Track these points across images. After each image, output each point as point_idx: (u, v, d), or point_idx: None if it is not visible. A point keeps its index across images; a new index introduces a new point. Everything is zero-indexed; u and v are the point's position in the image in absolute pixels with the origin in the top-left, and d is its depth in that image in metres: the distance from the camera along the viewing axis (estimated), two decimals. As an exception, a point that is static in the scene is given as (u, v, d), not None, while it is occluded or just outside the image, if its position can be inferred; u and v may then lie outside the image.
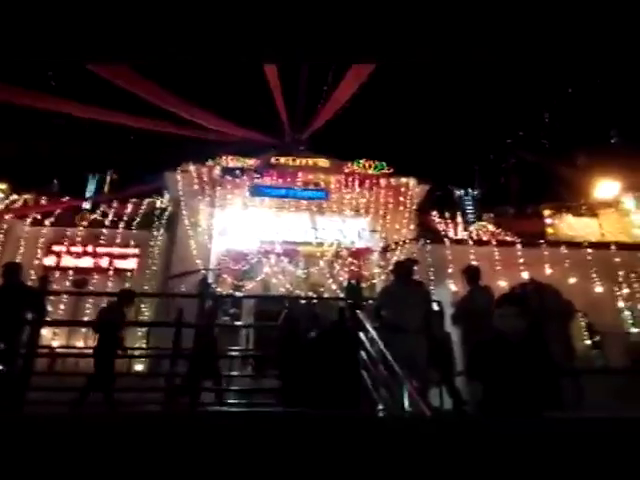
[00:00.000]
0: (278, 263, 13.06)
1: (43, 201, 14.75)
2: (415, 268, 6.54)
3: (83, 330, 10.94)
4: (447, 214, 15.54)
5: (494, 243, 13.18)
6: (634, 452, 1.06)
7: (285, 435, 1.21)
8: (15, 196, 14.63)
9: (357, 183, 14.34)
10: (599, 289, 12.36)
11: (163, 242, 13.44)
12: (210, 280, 11.85)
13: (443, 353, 6.66)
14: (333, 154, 15.64)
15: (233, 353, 8.78)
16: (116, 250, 13.29)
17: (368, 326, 5.56)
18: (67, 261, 13.05)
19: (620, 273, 12.71)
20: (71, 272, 12.81)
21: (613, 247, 13.17)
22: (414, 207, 14.50)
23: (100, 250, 13.28)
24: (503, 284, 11.93)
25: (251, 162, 14.64)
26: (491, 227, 15.12)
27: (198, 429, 1.36)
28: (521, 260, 12.54)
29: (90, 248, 13.26)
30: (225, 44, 1.49)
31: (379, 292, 6.87)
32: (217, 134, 15.28)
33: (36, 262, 12.53)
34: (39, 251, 12.99)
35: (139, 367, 10.39)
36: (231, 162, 14.50)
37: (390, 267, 7.55)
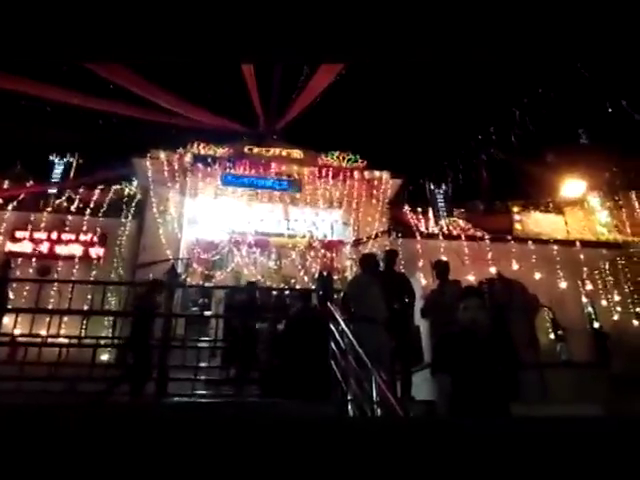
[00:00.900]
0: (249, 254, 12.95)
1: (6, 185, 14.22)
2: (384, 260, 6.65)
3: (47, 319, 10.63)
4: (419, 208, 15.68)
5: (464, 238, 13.40)
6: (605, 451, 1.05)
7: (247, 432, 1.17)
8: (-25, 179, 14.07)
9: (330, 175, 14.32)
10: (564, 285, 12.72)
11: (131, 230, 13.17)
12: (180, 270, 11.66)
13: (411, 345, 6.74)
14: (307, 145, 15.55)
15: (201, 344, 8.69)
16: (82, 237, 12.96)
17: (339, 317, 5.56)
18: (30, 247, 12.65)
19: (584, 270, 13.12)
20: (34, 259, 12.43)
21: (578, 244, 13.57)
22: (387, 201, 14.59)
23: (65, 237, 12.93)
24: (472, 278, 12.14)
25: (223, 151, 14.40)
26: (461, 222, 15.34)
27: (160, 419, 1.30)
28: (489, 255, 12.78)
29: (55, 235, 12.90)
30: (201, 45, 1.44)
31: (347, 283, 6.90)
32: (188, 120, 14.97)
33: (-2, 248, 12.11)
34: (1, 237, 12.55)
35: (105, 357, 10.18)
36: (203, 150, 14.23)
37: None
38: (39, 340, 8.07)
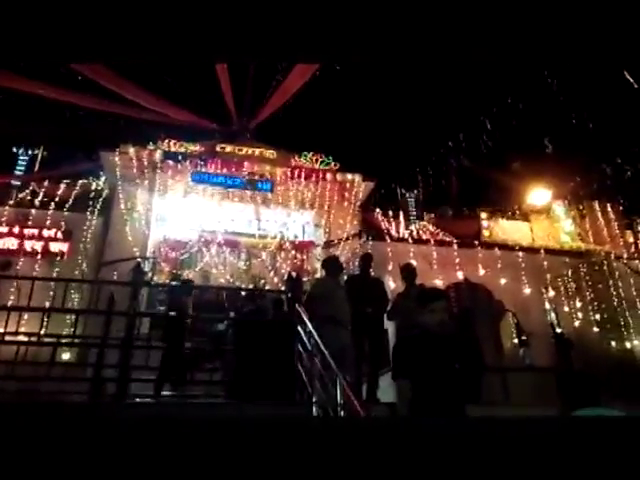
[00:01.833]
0: (219, 253, 12.80)
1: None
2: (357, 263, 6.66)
3: (5, 316, 10.26)
4: (390, 212, 15.82)
5: (433, 242, 13.58)
6: (566, 451, 1.06)
7: (209, 433, 1.14)
8: None
9: (303, 177, 14.29)
10: (528, 291, 13.04)
11: (97, 226, 12.85)
12: (146, 268, 11.44)
13: (380, 348, 6.77)
14: (280, 146, 15.49)
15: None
16: (46, 232, 12.58)
17: (306, 319, 5.55)
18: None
19: (547, 276, 13.47)
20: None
21: (542, 252, 13.93)
22: (358, 204, 14.65)
23: (28, 231, 12.52)
24: (439, 282, 12.32)
25: (195, 148, 14.20)
26: (431, 227, 15.53)
27: (122, 421, 1.25)
28: (457, 260, 12.99)
29: (17, 229, 12.48)
30: (173, 45, 1.40)
31: (311, 285, 6.91)
32: (159, 116, 14.72)
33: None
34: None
35: (66, 356, 9.91)
36: (173, 147, 13.99)
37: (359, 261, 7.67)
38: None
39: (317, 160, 15.04)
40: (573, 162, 16.19)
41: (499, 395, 7.11)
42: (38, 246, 12.40)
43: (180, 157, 13.55)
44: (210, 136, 15.40)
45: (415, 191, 16.75)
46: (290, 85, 14.92)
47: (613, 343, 12.48)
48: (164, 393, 6.52)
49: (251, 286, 12.03)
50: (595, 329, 12.95)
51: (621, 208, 16.18)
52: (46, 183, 13.62)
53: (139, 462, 1.03)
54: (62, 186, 13.52)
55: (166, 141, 13.96)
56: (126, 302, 6.90)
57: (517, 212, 16.56)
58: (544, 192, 16.28)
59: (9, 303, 9.91)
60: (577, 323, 13.09)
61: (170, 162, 13.45)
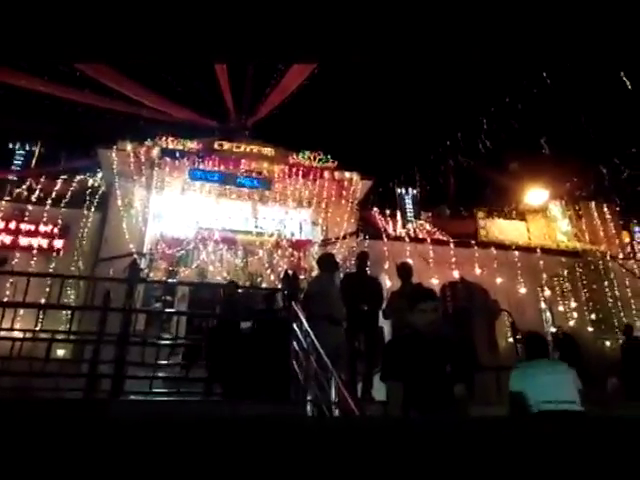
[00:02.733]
0: (216, 251, 12.79)
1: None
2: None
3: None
4: (387, 211, 15.83)
5: (429, 241, 13.60)
6: (561, 450, 1.08)
7: (201, 432, 1.15)
8: None
9: (301, 174, 14.28)
10: (523, 290, 13.07)
11: (93, 223, 12.84)
12: (143, 265, 11.42)
13: (376, 346, 6.79)
14: (278, 143, 15.47)
15: (163, 341, 8.53)
16: (42, 228, 12.56)
17: (302, 317, 5.55)
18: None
19: (543, 276, 13.51)
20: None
21: (538, 251, 13.96)
22: (356, 202, 14.65)
23: (24, 227, 12.49)
24: (436, 281, 12.35)
25: (192, 145, 14.16)
26: (428, 226, 15.56)
27: (117, 417, 1.26)
28: (454, 259, 13.02)
29: (13, 224, 12.45)
30: (172, 46, 1.41)
31: (309, 283, 6.91)
32: (158, 113, 14.68)
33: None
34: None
35: (61, 352, 9.88)
36: (171, 144, 13.93)
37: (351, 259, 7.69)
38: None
39: (315, 158, 15.02)
40: (570, 162, 16.24)
41: (493, 394, 7.13)
42: (34, 242, 12.37)
43: (178, 154, 13.52)
44: (208, 133, 15.37)
45: (413, 190, 16.77)
46: (289, 83, 14.90)
47: (607, 343, 12.52)
48: (159, 390, 6.52)
49: (248, 284, 12.03)
50: (590, 329, 13.00)
51: (617, 209, 16.24)
52: (43, 179, 13.59)
53: (128, 460, 1.04)
54: (59, 182, 13.50)
55: (164, 138, 13.92)
56: (122, 299, 6.89)
57: (514, 212, 16.60)
58: (541, 192, 16.33)
59: (4, 299, 9.89)
60: (572, 323, 13.13)
61: (168, 159, 13.42)
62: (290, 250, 13.47)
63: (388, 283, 11.40)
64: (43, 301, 9.66)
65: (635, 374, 8.14)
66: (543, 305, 13.57)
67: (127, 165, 13.15)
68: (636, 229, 16.28)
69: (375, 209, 15.50)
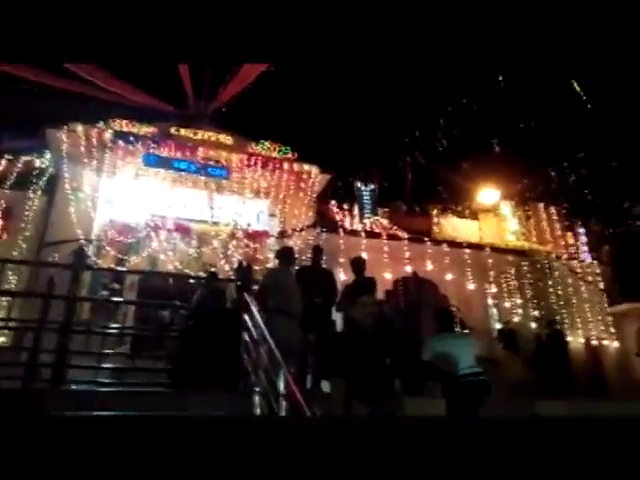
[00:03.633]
0: (169, 239, 12.50)
1: None
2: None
3: None
4: (345, 205, 15.92)
5: (384, 237, 13.78)
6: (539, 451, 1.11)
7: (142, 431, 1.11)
8: None
9: (260, 165, 14.13)
10: (472, 286, 13.49)
11: (39, 206, 12.28)
12: (91, 252, 11.04)
13: (327, 340, 6.84)
14: (238, 132, 15.23)
15: (109, 330, 8.29)
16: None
17: (254, 309, 5.52)
18: None
19: (491, 273, 13.97)
20: None
21: (488, 249, 14.42)
22: (314, 195, 14.65)
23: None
24: (389, 276, 12.56)
25: (148, 129, 13.73)
26: (384, 222, 15.74)
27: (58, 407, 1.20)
28: (407, 254, 13.26)
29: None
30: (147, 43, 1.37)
31: (264, 275, 6.88)
32: (112, 95, 14.14)
33: None
34: None
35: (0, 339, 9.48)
36: (125, 127, 13.46)
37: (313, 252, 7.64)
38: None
39: (275, 149, 14.89)
40: (521, 164, 16.82)
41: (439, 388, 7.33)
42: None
43: (132, 138, 13.08)
44: (166, 119, 14.95)
45: (371, 185, 16.92)
46: (250, 71, 14.68)
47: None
48: (103, 380, 6.35)
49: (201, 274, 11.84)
50: (533, 324, 13.56)
51: (564, 211, 16.95)
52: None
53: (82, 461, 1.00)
54: (2, 162, 12.83)
55: (117, 120, 13.43)
56: (66, 286, 6.65)
57: (467, 210, 17.03)
58: (493, 192, 16.82)
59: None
60: (517, 318, 13.65)
61: (121, 142, 12.96)
62: (245, 241, 13.33)
63: (343, 277, 11.50)
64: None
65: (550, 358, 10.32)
66: (490, 301, 14.05)
67: (77, 147, 12.62)
68: (580, 231, 17.03)
69: (333, 203, 15.54)
